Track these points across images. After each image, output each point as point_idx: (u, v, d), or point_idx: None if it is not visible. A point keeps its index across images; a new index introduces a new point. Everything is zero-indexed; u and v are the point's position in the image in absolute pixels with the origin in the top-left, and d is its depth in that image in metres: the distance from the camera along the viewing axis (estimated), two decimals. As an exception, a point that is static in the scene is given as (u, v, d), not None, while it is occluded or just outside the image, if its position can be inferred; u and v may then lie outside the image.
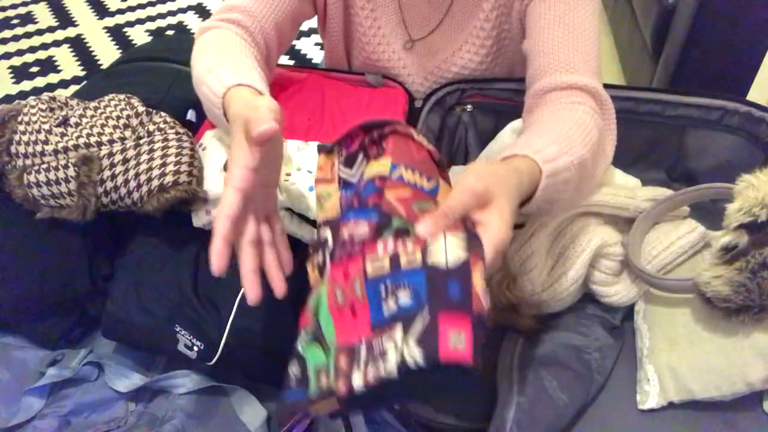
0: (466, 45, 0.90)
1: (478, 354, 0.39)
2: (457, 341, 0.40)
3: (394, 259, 0.45)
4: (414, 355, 0.40)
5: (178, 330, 0.71)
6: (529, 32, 0.82)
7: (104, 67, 2.08)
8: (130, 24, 2.61)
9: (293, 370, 0.48)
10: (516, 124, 0.91)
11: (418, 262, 0.44)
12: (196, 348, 0.70)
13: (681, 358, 0.68)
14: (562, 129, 0.68)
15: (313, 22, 0.99)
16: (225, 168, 0.76)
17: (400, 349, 0.41)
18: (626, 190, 0.79)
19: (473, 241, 0.45)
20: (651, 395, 0.69)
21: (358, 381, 0.42)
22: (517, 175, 0.56)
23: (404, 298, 0.43)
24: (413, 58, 0.95)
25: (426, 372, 0.40)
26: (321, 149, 0.61)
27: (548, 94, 0.77)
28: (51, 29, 2.59)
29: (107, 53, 2.42)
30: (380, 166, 0.52)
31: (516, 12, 0.83)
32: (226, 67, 0.70)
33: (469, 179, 0.49)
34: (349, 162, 0.57)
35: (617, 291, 0.75)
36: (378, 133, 0.55)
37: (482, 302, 0.42)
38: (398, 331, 0.42)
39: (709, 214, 0.76)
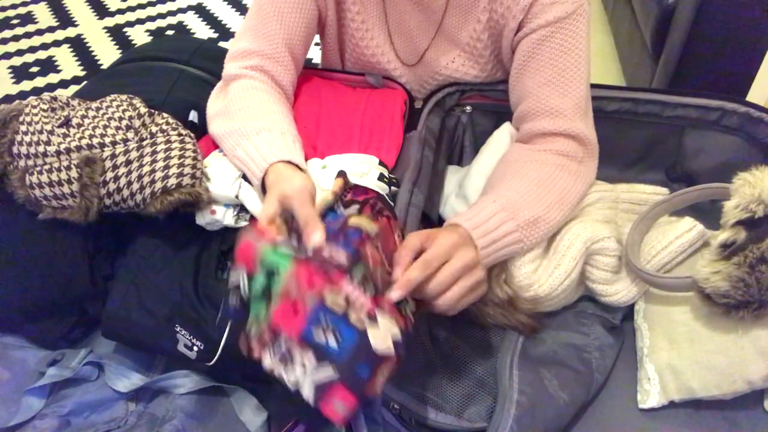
0: (460, 58, 0.91)
1: (349, 417, 0.53)
2: (340, 408, 0.52)
3: (347, 306, 0.55)
4: (308, 390, 0.53)
5: (178, 330, 0.71)
6: (520, 68, 0.83)
7: (104, 67, 2.08)
8: (130, 24, 2.61)
9: (233, 300, 0.59)
10: (511, 128, 0.92)
11: (360, 324, 0.54)
12: (196, 348, 0.70)
13: (681, 356, 0.68)
14: (520, 188, 0.76)
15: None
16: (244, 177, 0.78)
17: (305, 375, 0.53)
18: (604, 184, 0.86)
19: (402, 342, 0.55)
20: (651, 394, 0.69)
21: (266, 361, 0.55)
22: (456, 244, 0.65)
23: (332, 341, 0.53)
24: (409, 67, 0.96)
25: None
26: (341, 174, 0.71)
27: (535, 138, 0.84)
28: (51, 29, 2.58)
29: (107, 53, 2.41)
30: (369, 227, 0.62)
31: (506, 39, 0.84)
32: (262, 136, 0.75)
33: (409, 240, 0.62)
34: (347, 203, 0.68)
35: (617, 290, 0.75)
36: (379, 207, 0.67)
37: (375, 389, 0.54)
38: (311, 360, 0.53)
39: (708, 214, 0.76)
